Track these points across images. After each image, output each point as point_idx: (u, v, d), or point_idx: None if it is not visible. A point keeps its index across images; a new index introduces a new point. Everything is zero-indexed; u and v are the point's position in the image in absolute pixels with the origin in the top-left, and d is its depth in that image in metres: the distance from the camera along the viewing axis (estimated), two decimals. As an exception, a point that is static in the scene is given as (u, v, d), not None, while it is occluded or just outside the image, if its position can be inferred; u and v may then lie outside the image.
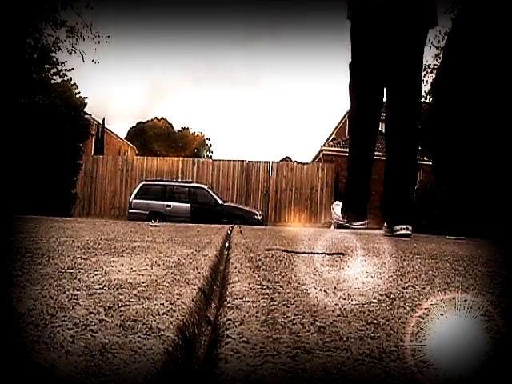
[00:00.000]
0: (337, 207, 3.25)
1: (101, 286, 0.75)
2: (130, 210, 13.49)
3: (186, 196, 13.58)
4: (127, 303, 0.65)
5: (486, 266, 1.33)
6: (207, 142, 51.28)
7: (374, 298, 0.76)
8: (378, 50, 2.73)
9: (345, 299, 0.74)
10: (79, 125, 11.62)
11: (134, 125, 46.94)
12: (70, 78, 11.52)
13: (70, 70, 11.18)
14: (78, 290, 0.72)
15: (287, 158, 20.05)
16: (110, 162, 17.29)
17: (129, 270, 0.94)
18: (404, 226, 2.69)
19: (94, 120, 20.19)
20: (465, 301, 0.77)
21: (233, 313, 0.63)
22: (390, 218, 2.83)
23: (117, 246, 1.42)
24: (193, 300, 0.71)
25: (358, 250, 1.66)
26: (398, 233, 2.69)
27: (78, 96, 11.93)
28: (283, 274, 0.98)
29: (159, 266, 1.01)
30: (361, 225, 3.07)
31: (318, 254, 1.43)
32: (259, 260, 1.19)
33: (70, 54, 10.71)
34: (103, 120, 22.08)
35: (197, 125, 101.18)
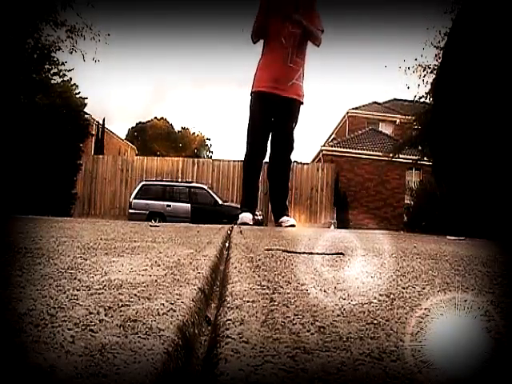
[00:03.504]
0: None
1: (101, 286, 0.75)
2: (130, 210, 13.49)
3: (186, 196, 13.57)
4: (127, 303, 0.65)
5: (486, 266, 1.33)
6: (207, 142, 51.28)
7: (374, 298, 0.76)
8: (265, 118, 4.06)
9: (345, 299, 0.74)
10: (79, 125, 11.60)
11: (134, 125, 46.97)
12: (70, 78, 11.51)
13: (70, 70, 11.17)
14: (77, 290, 0.71)
15: (287, 158, 19.89)
16: (110, 161, 17.28)
17: (129, 269, 0.94)
18: (290, 221, 3.95)
19: (94, 120, 20.17)
20: (465, 301, 0.77)
21: (233, 313, 0.63)
22: (276, 213, 4.13)
23: (117, 246, 1.42)
24: (193, 300, 0.71)
25: (357, 249, 1.66)
26: (285, 224, 3.91)
27: (78, 96, 11.91)
28: (283, 274, 0.98)
29: (159, 266, 1.01)
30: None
31: (318, 254, 1.43)
32: (259, 260, 1.19)
33: (71, 53, 10.67)
34: (103, 120, 22.06)
35: (197, 125, 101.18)
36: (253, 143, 4.09)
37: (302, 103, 4.12)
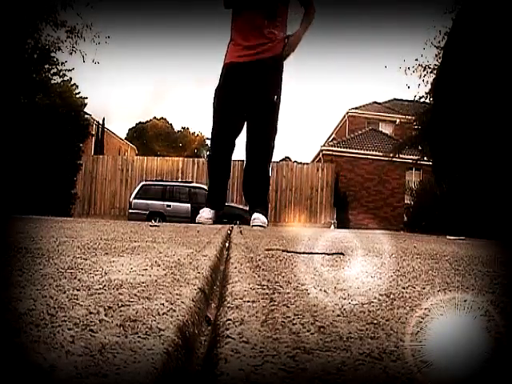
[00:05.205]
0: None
1: (101, 286, 0.75)
2: (130, 210, 13.50)
3: (186, 196, 13.58)
4: (127, 303, 0.65)
5: (486, 266, 1.34)
6: (207, 142, 51.24)
7: (374, 298, 0.76)
8: (237, 93, 3.46)
9: (345, 299, 0.74)
10: (79, 125, 11.60)
11: (134, 125, 46.96)
12: (70, 78, 11.52)
13: (70, 70, 11.18)
14: (78, 290, 0.71)
15: (287, 158, 19.95)
16: (110, 162, 17.28)
17: (129, 270, 0.94)
18: (260, 219, 3.41)
19: (94, 120, 20.18)
20: (465, 301, 0.77)
21: (233, 313, 0.63)
22: (250, 203, 3.65)
23: (117, 245, 1.42)
24: (193, 300, 0.71)
25: (358, 249, 1.66)
26: (254, 223, 3.39)
27: (77, 96, 11.92)
28: (283, 274, 0.98)
29: (159, 266, 1.01)
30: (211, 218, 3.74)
31: (318, 254, 1.43)
32: (259, 260, 1.19)
33: (71, 54, 10.69)
34: (103, 120, 22.08)
35: (197, 125, 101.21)
36: (219, 132, 3.50)
37: (283, 60, 3.47)
